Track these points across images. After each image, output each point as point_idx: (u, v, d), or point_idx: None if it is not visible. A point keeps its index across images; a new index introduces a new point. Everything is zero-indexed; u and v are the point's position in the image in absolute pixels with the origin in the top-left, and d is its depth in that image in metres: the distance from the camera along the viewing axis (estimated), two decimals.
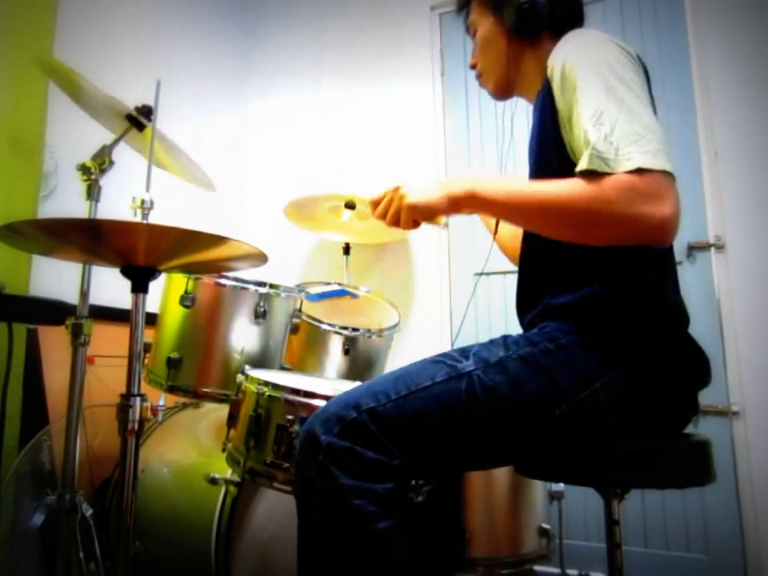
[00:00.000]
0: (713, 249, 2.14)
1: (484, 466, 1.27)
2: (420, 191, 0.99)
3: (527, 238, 1.15)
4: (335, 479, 0.86)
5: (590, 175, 0.87)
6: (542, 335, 0.99)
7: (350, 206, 2.35)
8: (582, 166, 0.88)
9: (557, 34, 1.06)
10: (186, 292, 1.55)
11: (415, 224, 1.01)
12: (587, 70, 0.93)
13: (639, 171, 0.84)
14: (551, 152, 1.01)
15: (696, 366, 1.01)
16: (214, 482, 1.40)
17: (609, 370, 0.95)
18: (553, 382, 0.94)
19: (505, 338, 1.01)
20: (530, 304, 1.09)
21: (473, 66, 1.24)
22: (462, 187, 0.96)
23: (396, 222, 1.02)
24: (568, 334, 0.97)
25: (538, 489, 1.50)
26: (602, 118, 0.88)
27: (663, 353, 0.97)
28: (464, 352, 0.98)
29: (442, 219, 1.01)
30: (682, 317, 1.03)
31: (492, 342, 1.01)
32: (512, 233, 1.39)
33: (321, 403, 1.14)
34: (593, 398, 0.94)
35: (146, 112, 1.43)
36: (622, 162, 0.85)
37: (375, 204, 1.06)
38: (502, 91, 1.22)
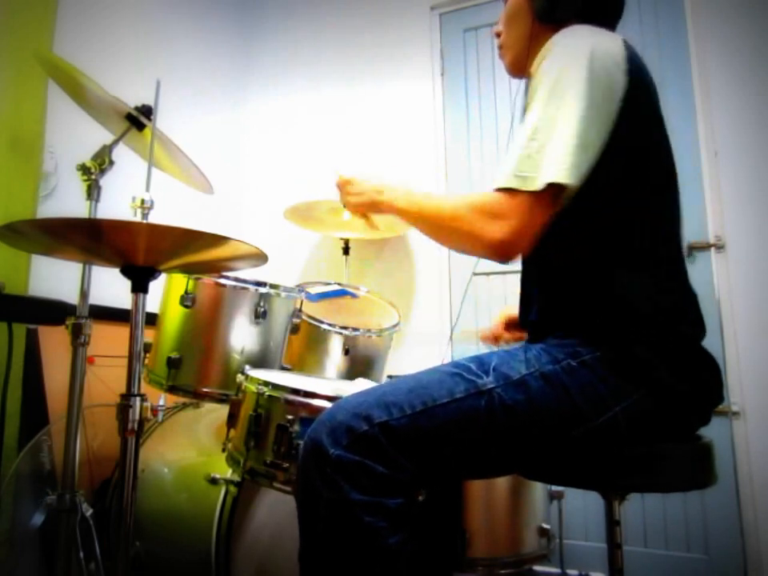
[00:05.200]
0: (713, 249, 2.14)
1: (491, 476, 1.27)
2: (354, 196, 1.20)
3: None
4: (344, 493, 0.84)
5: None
6: (564, 350, 0.95)
7: None
8: (497, 183, 0.93)
9: (585, 23, 1.03)
10: (186, 292, 1.55)
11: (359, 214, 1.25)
12: (547, 78, 0.95)
13: (507, 191, 0.91)
14: None
15: (711, 383, 0.99)
16: (214, 481, 1.40)
17: (631, 391, 0.92)
18: (573, 403, 0.91)
19: (525, 350, 0.97)
20: (535, 310, 1.07)
21: (497, 35, 1.21)
22: (381, 196, 1.14)
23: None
24: (591, 350, 0.94)
25: (538, 489, 1.50)
26: (535, 134, 0.92)
27: (684, 371, 0.95)
28: (483, 365, 0.94)
29: (375, 222, 1.27)
30: (699, 325, 1.01)
31: (511, 354, 0.97)
32: None
33: (321, 403, 1.14)
34: (611, 420, 0.92)
35: (146, 112, 1.43)
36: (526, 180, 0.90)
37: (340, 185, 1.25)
38: (517, 70, 1.19)
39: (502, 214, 0.91)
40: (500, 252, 0.92)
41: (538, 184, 0.89)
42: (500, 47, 1.21)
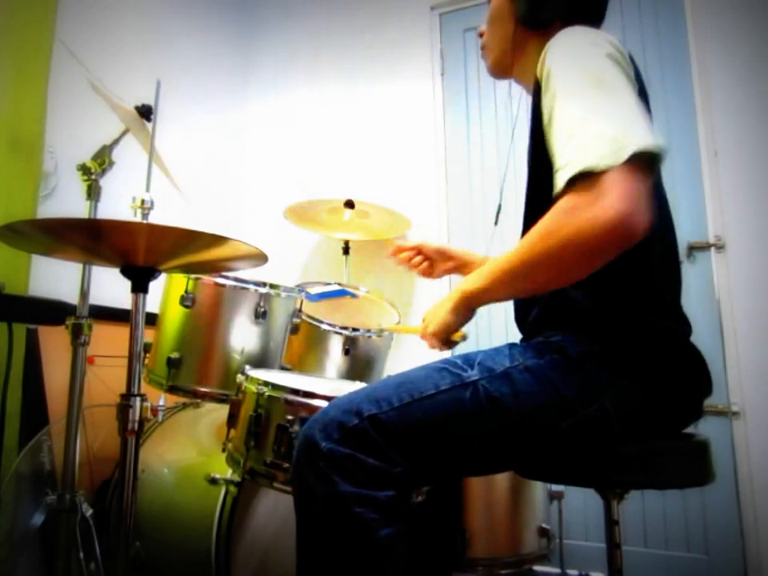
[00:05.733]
0: (713, 249, 2.14)
1: (485, 473, 1.27)
2: (434, 318, 1.04)
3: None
4: (336, 486, 0.85)
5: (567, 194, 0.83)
6: (549, 345, 0.97)
7: (350, 205, 2.36)
8: (556, 188, 0.84)
9: (568, 26, 1.01)
10: (186, 292, 1.55)
11: (447, 343, 1.07)
12: (567, 73, 0.90)
13: (582, 177, 0.80)
14: (544, 153, 0.97)
15: (700, 375, 1.00)
16: (214, 482, 1.40)
17: (616, 381, 0.93)
18: (559, 394, 0.92)
19: (510, 346, 0.99)
20: (528, 310, 1.07)
21: (480, 35, 1.20)
22: (455, 295, 1.01)
23: (434, 347, 1.09)
24: (575, 344, 0.95)
25: (538, 489, 1.50)
26: (574, 129, 0.85)
27: (670, 363, 0.96)
28: (468, 360, 0.96)
29: (461, 332, 1.06)
30: (686, 323, 1.02)
31: (497, 350, 0.99)
32: None
33: (321, 403, 1.14)
34: (600, 410, 0.92)
35: (146, 111, 1.43)
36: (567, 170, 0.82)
37: (423, 338, 1.10)
38: (499, 71, 1.19)
39: (599, 192, 0.79)
40: (629, 223, 0.79)
41: (624, 155, 0.79)
42: (482, 48, 1.20)
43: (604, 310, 0.97)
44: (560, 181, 0.83)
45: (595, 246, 0.82)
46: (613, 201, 0.79)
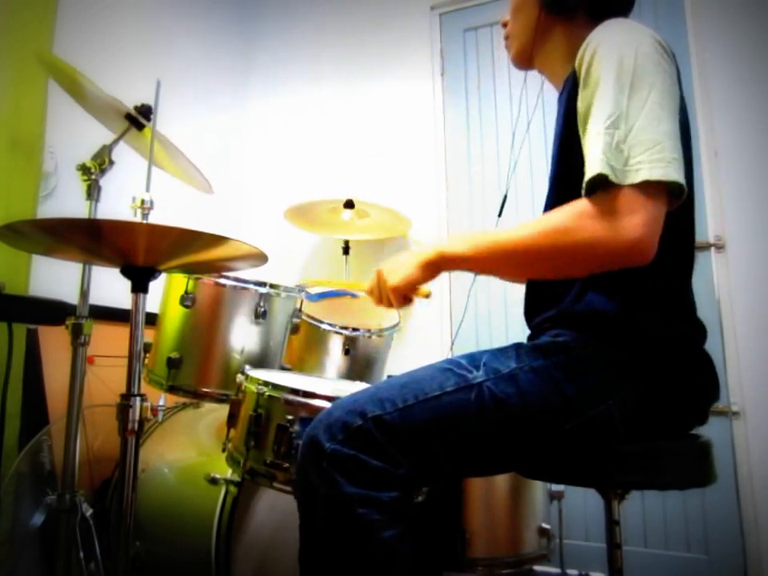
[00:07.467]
0: (713, 249, 2.15)
1: (488, 474, 1.27)
2: (397, 270, 1.01)
3: None
4: (339, 487, 0.85)
5: (595, 188, 0.83)
6: (556, 346, 0.96)
7: (350, 205, 2.36)
8: (588, 174, 0.83)
9: (593, 17, 1.01)
10: (186, 292, 1.55)
11: (406, 300, 1.03)
12: (611, 65, 0.88)
13: (644, 185, 0.80)
14: (575, 149, 0.95)
15: (709, 381, 0.99)
16: (214, 482, 1.40)
17: (623, 384, 0.92)
18: (564, 396, 0.91)
19: (517, 346, 0.98)
20: (540, 308, 1.06)
21: (504, 25, 1.19)
22: (429, 253, 0.98)
23: (390, 304, 1.04)
24: (583, 345, 0.94)
25: (538, 489, 1.50)
26: (617, 121, 0.84)
27: (681, 369, 0.95)
28: (474, 361, 0.96)
29: (426, 289, 1.03)
30: (702, 330, 1.01)
31: (503, 350, 0.98)
32: None
33: (321, 403, 1.14)
34: (605, 412, 0.92)
35: (146, 111, 1.43)
36: (630, 173, 0.81)
37: (370, 293, 1.07)
38: (522, 61, 1.17)
39: (630, 209, 0.81)
40: (642, 249, 0.81)
41: (663, 175, 0.81)
42: (506, 37, 1.19)
43: (624, 314, 0.95)
44: (627, 178, 0.82)
45: (605, 259, 0.85)
46: (639, 223, 0.81)
